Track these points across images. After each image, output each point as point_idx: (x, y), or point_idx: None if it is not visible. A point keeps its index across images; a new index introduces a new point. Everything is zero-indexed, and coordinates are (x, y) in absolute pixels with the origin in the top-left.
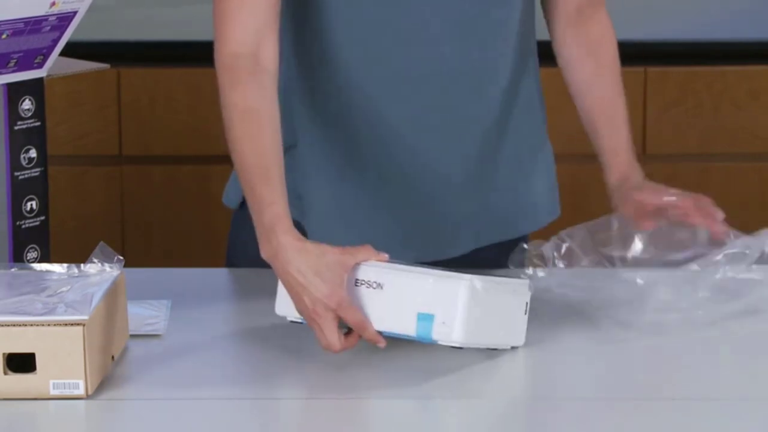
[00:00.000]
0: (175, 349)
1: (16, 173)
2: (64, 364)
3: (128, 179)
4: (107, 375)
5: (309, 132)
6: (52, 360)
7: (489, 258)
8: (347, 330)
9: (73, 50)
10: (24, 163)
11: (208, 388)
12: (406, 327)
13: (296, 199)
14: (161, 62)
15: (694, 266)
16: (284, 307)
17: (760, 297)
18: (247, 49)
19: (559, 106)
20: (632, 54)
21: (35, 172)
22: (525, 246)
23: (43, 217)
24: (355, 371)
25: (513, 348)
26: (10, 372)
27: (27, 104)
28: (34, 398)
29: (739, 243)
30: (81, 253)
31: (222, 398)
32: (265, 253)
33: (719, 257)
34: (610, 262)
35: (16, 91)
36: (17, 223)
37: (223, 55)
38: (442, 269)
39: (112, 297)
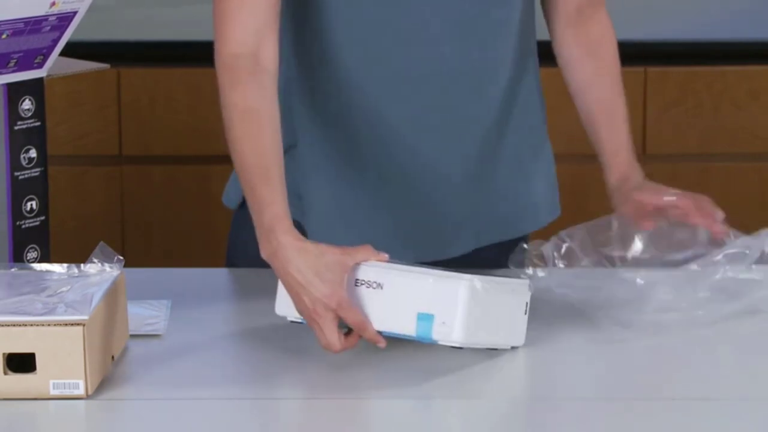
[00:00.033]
0: (175, 349)
1: (16, 173)
2: (64, 364)
3: (128, 179)
4: (107, 375)
5: (309, 132)
6: (52, 360)
7: (489, 258)
8: (347, 330)
9: (73, 50)
10: (24, 163)
11: (208, 388)
12: (406, 327)
13: (296, 199)
14: (161, 62)
15: (694, 266)
16: (284, 307)
17: (760, 297)
18: (247, 49)
19: (559, 106)
20: (632, 54)
21: (35, 172)
22: (525, 246)
23: (43, 217)
24: (355, 371)
25: (513, 348)
26: (10, 372)
27: (27, 104)
28: (34, 398)
29: (739, 243)
30: (81, 253)
31: (222, 398)
32: (264, 253)
33: (719, 257)
34: (610, 262)
35: (16, 91)
36: (17, 223)
37: (223, 55)
38: (442, 269)
39: (112, 297)
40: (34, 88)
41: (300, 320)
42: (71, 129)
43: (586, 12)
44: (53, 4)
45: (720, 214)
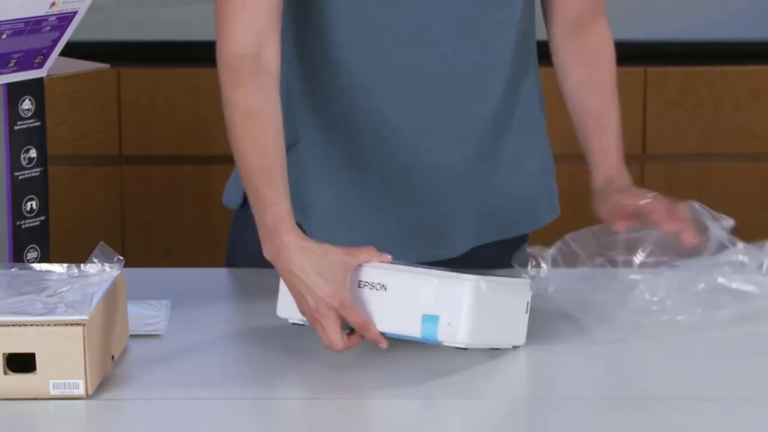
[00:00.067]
0: (175, 349)
1: (16, 173)
2: (64, 364)
3: (128, 179)
4: (107, 375)
5: (310, 133)
6: (52, 360)
7: (489, 257)
8: (350, 330)
9: (73, 50)
10: (24, 163)
11: (208, 388)
12: (411, 328)
13: (297, 200)
14: (161, 62)
15: (694, 267)
16: (286, 309)
17: (758, 305)
18: (249, 50)
19: (559, 106)
20: (632, 54)
21: (35, 172)
22: (528, 250)
23: (43, 217)
24: (356, 371)
25: (514, 347)
26: (10, 372)
27: (27, 104)
28: (34, 398)
29: (741, 250)
30: (81, 253)
31: (222, 398)
32: (267, 253)
33: (720, 262)
34: (615, 266)
35: (16, 91)
36: (17, 223)
37: (225, 56)
38: (445, 270)
39: (112, 297)
40: (34, 88)
41: (301, 322)
42: (71, 129)
43: (585, 21)
44: (53, 4)
45: (694, 223)
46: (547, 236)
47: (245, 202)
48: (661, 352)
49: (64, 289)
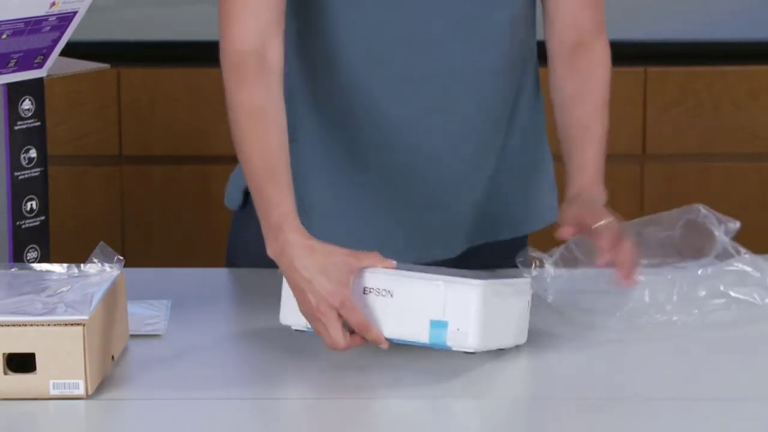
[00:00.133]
0: (175, 349)
1: (16, 173)
2: (64, 364)
3: (128, 179)
4: (107, 375)
5: (310, 133)
6: (52, 360)
7: (489, 258)
8: (350, 332)
9: (73, 50)
10: (24, 163)
11: (208, 388)
12: (419, 334)
13: (297, 199)
14: (161, 62)
15: (697, 274)
16: (289, 315)
17: (759, 308)
18: (253, 49)
19: None
20: (632, 54)
21: (35, 172)
22: (531, 253)
23: (43, 217)
24: (356, 372)
25: (516, 346)
26: (10, 372)
27: (27, 104)
28: (34, 398)
29: (745, 260)
30: (81, 253)
31: (222, 398)
32: (271, 251)
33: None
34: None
35: (16, 91)
36: (17, 223)
37: (228, 55)
38: (449, 271)
39: (112, 297)
40: (34, 88)
41: (304, 329)
42: (71, 129)
43: (584, 39)
44: (53, 4)
45: (635, 268)
46: (546, 237)
47: (246, 203)
48: (660, 352)
49: (64, 289)
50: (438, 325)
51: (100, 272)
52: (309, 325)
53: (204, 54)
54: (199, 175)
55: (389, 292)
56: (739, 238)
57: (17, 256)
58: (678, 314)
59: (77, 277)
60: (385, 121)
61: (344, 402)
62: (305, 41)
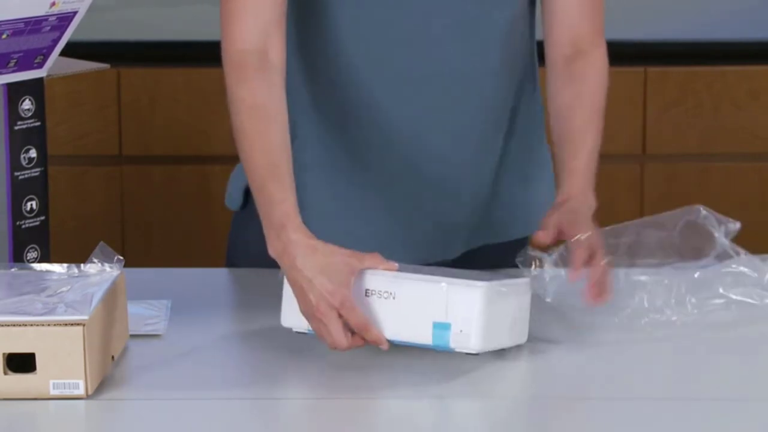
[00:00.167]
0: (175, 349)
1: (16, 173)
2: (64, 364)
3: (128, 179)
4: (107, 375)
5: (310, 132)
6: (52, 360)
7: (489, 258)
8: (353, 331)
9: (73, 50)
10: (24, 163)
11: (208, 388)
12: (422, 336)
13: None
14: (161, 62)
15: (696, 275)
16: (289, 317)
17: (758, 309)
18: (255, 47)
19: None
20: (632, 54)
21: (35, 172)
22: (531, 253)
23: (43, 217)
24: (357, 372)
25: (516, 346)
26: (10, 372)
27: (27, 104)
28: (34, 398)
29: (744, 261)
30: (81, 253)
31: (222, 398)
32: (273, 250)
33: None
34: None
35: (16, 91)
36: (17, 223)
37: (230, 53)
38: (450, 272)
39: (112, 297)
40: (34, 88)
41: (305, 331)
42: (71, 129)
43: (582, 47)
44: (53, 4)
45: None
46: None
47: (246, 203)
48: (660, 352)
49: (64, 289)
50: (441, 327)
51: (100, 272)
52: (310, 327)
53: (204, 54)
54: (199, 175)
55: (391, 293)
56: (739, 238)
57: (17, 256)
58: (677, 315)
59: (77, 277)
60: (384, 121)
61: (344, 402)
62: (305, 40)
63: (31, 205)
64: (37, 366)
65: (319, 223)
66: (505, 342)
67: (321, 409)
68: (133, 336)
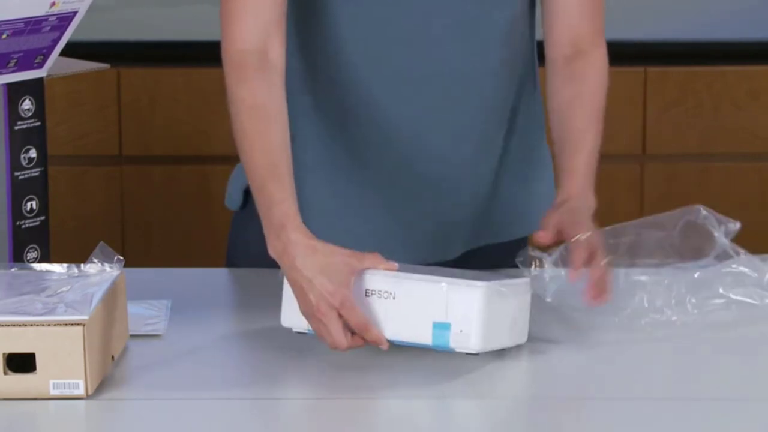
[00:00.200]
0: (175, 349)
1: (16, 173)
2: (64, 364)
3: (128, 179)
4: (107, 375)
5: (309, 131)
6: (52, 360)
7: (489, 258)
8: (353, 331)
9: (73, 50)
10: (24, 163)
11: (208, 388)
12: (422, 336)
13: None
14: (161, 62)
15: (696, 275)
16: (289, 318)
17: (759, 309)
18: (255, 47)
19: None
20: (632, 54)
21: (35, 172)
22: (531, 253)
23: (43, 217)
24: (357, 372)
25: (516, 346)
26: (10, 372)
27: (27, 104)
28: (34, 398)
29: (744, 261)
30: (81, 253)
31: (222, 398)
32: (273, 250)
33: (722, 273)
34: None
35: (16, 91)
36: (17, 223)
37: (230, 53)
38: (450, 272)
39: (112, 297)
40: (34, 88)
41: (305, 331)
42: (71, 129)
43: (582, 48)
44: (53, 4)
45: (607, 292)
46: None
47: (246, 203)
48: (660, 352)
49: (64, 289)
50: (441, 327)
51: (100, 272)
52: (310, 327)
53: (204, 54)
54: (199, 175)
55: (391, 294)
56: (739, 238)
57: (17, 256)
58: (677, 315)
59: (77, 277)
60: (384, 120)
61: (344, 402)
62: (305, 39)
63: (31, 205)
64: (37, 366)
65: (318, 221)
66: (505, 342)
67: (321, 409)
68: (133, 336)
